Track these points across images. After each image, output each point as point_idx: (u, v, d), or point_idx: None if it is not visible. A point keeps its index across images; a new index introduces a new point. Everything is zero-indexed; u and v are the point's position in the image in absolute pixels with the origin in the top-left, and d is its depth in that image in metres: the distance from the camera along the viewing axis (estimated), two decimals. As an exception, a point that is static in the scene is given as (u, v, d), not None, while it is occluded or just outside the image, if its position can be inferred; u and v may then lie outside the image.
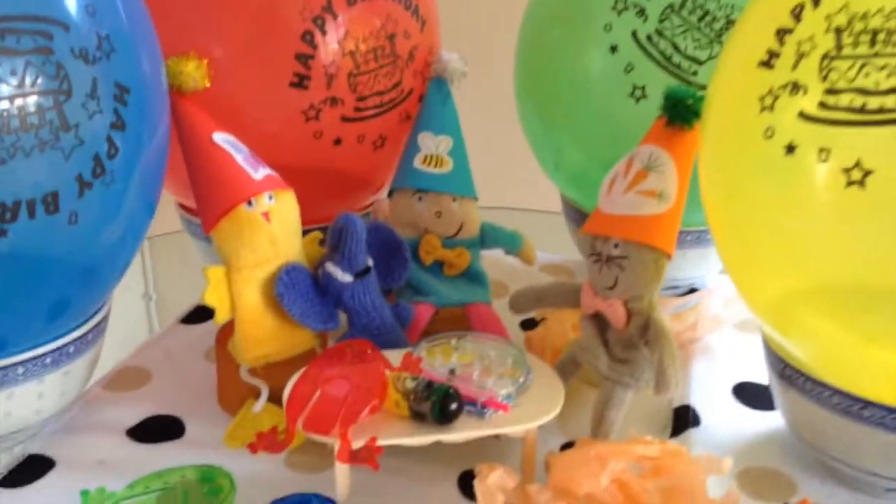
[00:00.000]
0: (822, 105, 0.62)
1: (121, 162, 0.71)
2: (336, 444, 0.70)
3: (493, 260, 1.01)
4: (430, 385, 0.72)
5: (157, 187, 0.81)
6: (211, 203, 0.82)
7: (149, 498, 0.73)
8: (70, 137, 0.65)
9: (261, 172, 0.83)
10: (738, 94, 0.69)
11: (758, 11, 0.71)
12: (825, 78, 0.62)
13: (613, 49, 0.91)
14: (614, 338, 0.82)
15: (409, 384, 0.73)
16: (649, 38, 0.89)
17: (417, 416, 0.72)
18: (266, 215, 0.82)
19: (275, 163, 0.88)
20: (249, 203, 0.81)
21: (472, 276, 0.93)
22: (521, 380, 0.77)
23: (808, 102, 0.63)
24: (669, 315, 0.96)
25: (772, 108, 0.65)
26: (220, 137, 0.83)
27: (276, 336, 0.84)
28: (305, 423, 0.72)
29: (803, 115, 0.63)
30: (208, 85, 0.83)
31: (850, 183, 0.61)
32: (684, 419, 0.86)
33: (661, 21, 0.89)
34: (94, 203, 0.69)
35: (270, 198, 0.83)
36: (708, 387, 0.91)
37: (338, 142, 0.91)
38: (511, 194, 1.22)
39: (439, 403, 0.71)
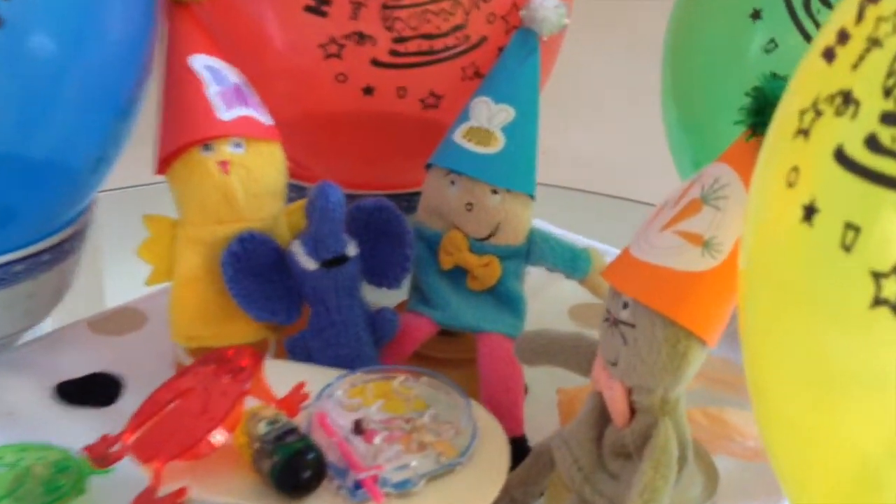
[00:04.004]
0: (871, 143, 0.32)
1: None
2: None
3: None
4: (284, 437, 0.52)
5: (121, 93, 0.68)
6: (164, 139, 0.67)
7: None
8: None
9: (235, 112, 0.66)
10: (790, 100, 0.40)
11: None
12: (889, 93, 0.32)
13: (756, 14, 0.61)
14: (611, 436, 0.55)
15: (262, 428, 0.53)
16: (807, 3, 0.59)
17: (259, 473, 0.53)
18: (224, 165, 0.65)
19: (296, 108, 0.72)
20: (207, 147, 0.65)
21: (503, 297, 0.69)
22: (444, 461, 0.54)
23: (854, 134, 0.33)
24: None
25: (807, 133, 0.36)
26: (201, 62, 0.67)
27: (217, 317, 0.67)
28: (135, 443, 0.55)
29: (841, 157, 0.34)
30: (212, -7, 0.68)
31: (878, 302, 0.31)
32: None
33: (829, -20, 0.58)
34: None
35: (238, 145, 0.66)
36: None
37: (368, 91, 0.71)
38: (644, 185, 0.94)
39: (281, 466, 0.51)
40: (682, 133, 0.74)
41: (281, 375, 0.60)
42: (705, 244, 0.50)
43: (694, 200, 0.52)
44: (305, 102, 0.73)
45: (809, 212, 0.34)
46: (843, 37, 0.36)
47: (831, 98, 0.35)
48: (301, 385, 0.57)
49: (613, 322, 0.53)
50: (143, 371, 0.75)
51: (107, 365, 0.76)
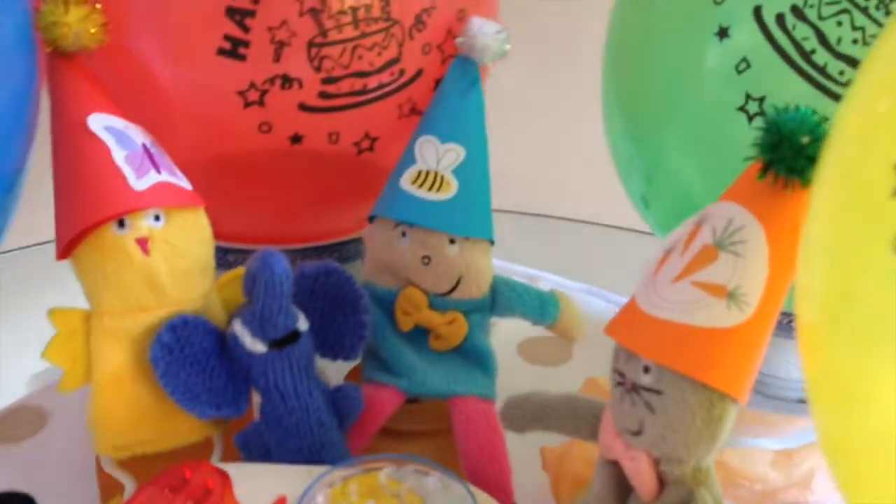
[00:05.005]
0: None
1: None
2: None
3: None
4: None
5: (4, 166, 0.57)
6: (66, 217, 0.56)
7: None
8: None
9: (149, 179, 0.56)
10: (868, 144, 0.35)
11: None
12: None
13: (723, 33, 0.57)
14: (636, 510, 0.50)
15: (247, 563, 0.45)
16: (781, 19, 0.55)
17: None
18: (143, 243, 0.56)
19: (206, 159, 0.63)
20: (120, 224, 0.56)
21: (471, 355, 0.63)
22: (458, 566, 0.48)
23: None
24: (773, 453, 0.62)
25: (917, 189, 0.31)
26: (101, 122, 0.57)
27: (150, 419, 0.57)
28: None
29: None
30: (104, 41, 0.57)
31: None
32: None
33: (805, -9, 0.54)
34: None
35: (157, 218, 0.56)
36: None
37: (296, 139, 0.63)
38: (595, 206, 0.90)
39: None
40: (630, 148, 0.69)
41: (241, 481, 0.52)
42: (730, 295, 0.45)
43: (707, 247, 0.47)
44: (220, 154, 0.64)
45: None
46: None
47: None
48: (282, 501, 0.49)
49: (631, 388, 0.48)
50: (56, 485, 0.65)
51: (10, 482, 0.65)
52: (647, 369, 0.47)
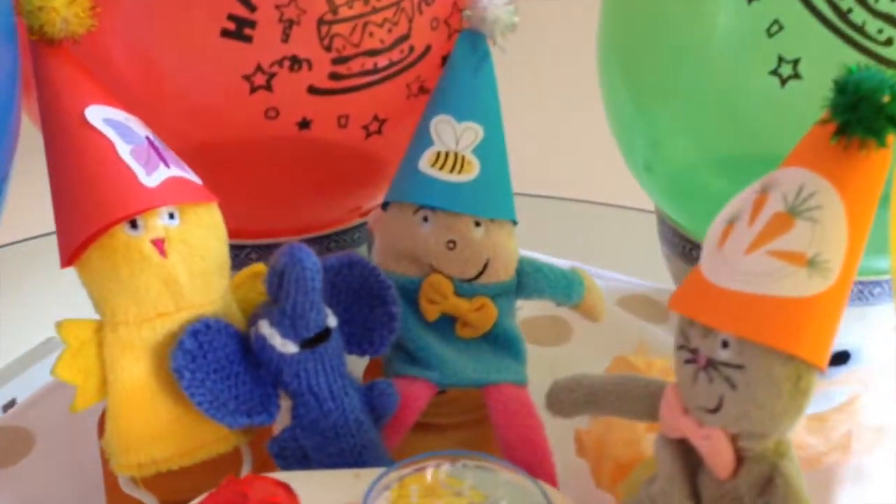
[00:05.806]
0: None
1: None
2: None
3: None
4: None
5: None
6: (71, 221, 0.51)
7: None
8: None
9: (160, 174, 0.52)
10: None
11: None
12: None
13: (751, -7, 0.56)
14: (711, 490, 0.49)
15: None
16: (814, -23, 0.54)
17: None
18: (160, 245, 0.51)
19: (214, 153, 0.59)
20: (133, 224, 0.51)
21: (501, 341, 0.60)
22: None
23: None
24: (804, 419, 0.62)
25: None
26: (100, 114, 0.52)
27: (174, 432, 0.53)
28: None
29: None
30: (93, 26, 0.52)
31: None
32: None
33: (838, -51, 0.53)
34: None
35: (172, 217, 0.52)
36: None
37: (304, 124, 0.59)
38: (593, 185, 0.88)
39: None
40: (635, 115, 0.68)
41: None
42: (810, 263, 0.44)
43: (779, 214, 0.46)
44: (219, 143, 0.60)
45: None
46: None
47: None
48: (352, 510, 0.46)
49: (708, 364, 0.46)
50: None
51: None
52: (725, 344, 0.45)
